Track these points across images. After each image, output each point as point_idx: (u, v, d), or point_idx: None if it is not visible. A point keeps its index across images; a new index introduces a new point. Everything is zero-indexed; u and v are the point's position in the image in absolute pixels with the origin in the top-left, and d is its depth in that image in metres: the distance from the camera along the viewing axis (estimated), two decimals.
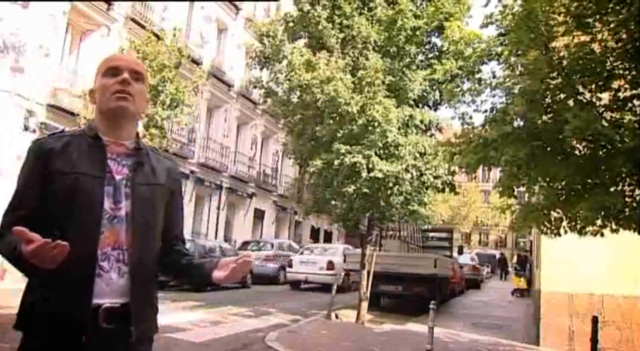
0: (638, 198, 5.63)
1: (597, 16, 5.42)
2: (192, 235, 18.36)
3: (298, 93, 10.72)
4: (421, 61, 11.13)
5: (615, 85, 5.68)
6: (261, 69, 11.84)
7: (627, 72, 5.52)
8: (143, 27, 14.97)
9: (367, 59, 10.16)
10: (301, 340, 8.15)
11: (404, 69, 10.33)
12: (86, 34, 15.55)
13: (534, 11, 5.38)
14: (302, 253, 18.24)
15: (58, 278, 1.48)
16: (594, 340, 7.19)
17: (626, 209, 5.61)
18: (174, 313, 9.01)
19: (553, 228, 6.49)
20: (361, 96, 9.58)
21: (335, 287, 11.38)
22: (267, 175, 25.95)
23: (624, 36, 5.36)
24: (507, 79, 6.26)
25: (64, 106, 13.60)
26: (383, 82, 9.73)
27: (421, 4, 11.05)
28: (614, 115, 5.62)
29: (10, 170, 10.68)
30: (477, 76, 6.96)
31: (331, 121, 10.08)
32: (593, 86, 5.65)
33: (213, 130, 21.77)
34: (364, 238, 11.19)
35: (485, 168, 13.53)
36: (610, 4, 5.32)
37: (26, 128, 13.02)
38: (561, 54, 5.61)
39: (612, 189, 5.61)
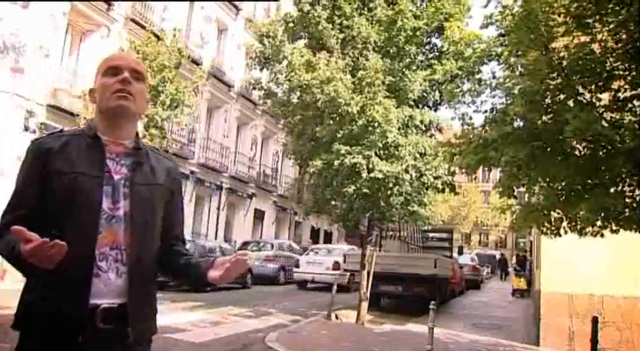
0: (638, 198, 5.63)
1: (597, 17, 5.42)
2: (193, 235, 18.37)
3: (298, 93, 10.72)
4: (421, 61, 11.12)
5: (615, 85, 5.68)
6: (261, 69, 11.83)
7: (627, 72, 5.52)
8: (143, 27, 14.96)
9: (367, 60, 10.16)
10: (301, 341, 8.15)
11: (404, 69, 10.33)
12: (86, 34, 15.55)
13: (534, 12, 5.39)
14: (308, 254, 18.81)
15: (56, 278, 1.48)
16: (594, 341, 7.19)
17: (627, 210, 5.61)
18: (174, 314, 9.01)
19: (553, 228, 6.49)
20: (361, 96, 9.58)
21: (335, 287, 11.40)
22: (267, 175, 25.95)
23: (624, 36, 5.36)
24: (507, 80, 6.26)
25: (64, 107, 13.60)
26: (383, 83, 9.73)
27: (421, 5, 11.05)
28: (614, 115, 5.62)
29: (10, 170, 10.68)
30: (477, 76, 6.95)
31: (331, 122, 10.08)
32: (593, 87, 5.66)
33: (213, 131, 21.78)
34: (364, 239, 11.19)
35: (486, 168, 13.54)
36: (610, 4, 5.32)
37: (26, 129, 13.03)
38: (561, 54, 5.62)
39: (612, 189, 5.61)
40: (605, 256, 8.57)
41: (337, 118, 9.97)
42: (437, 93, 10.86)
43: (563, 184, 5.96)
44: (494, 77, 6.70)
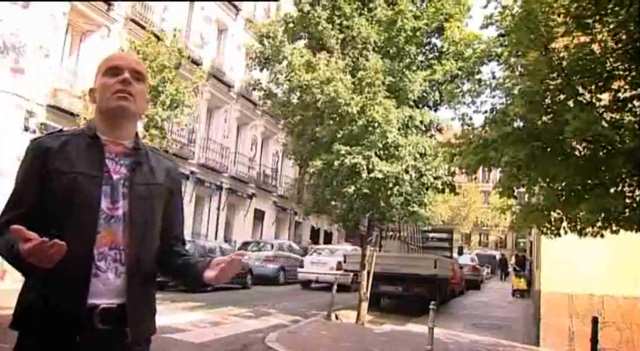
0: (638, 199, 5.63)
1: (597, 17, 5.42)
2: (192, 235, 18.38)
3: (298, 94, 10.73)
4: (421, 61, 11.12)
5: (615, 85, 5.68)
6: (261, 70, 11.84)
7: (627, 73, 5.52)
8: (143, 28, 14.96)
9: (367, 60, 10.16)
10: (301, 341, 8.15)
11: (404, 70, 10.33)
12: (86, 34, 15.55)
13: (534, 12, 5.39)
14: (312, 255, 19.07)
15: (55, 277, 1.48)
16: (594, 341, 7.18)
17: (627, 210, 5.61)
18: (174, 314, 9.01)
19: (553, 228, 6.49)
20: (361, 97, 9.58)
21: (335, 287, 11.40)
22: (267, 175, 25.95)
23: (624, 37, 5.36)
24: (507, 80, 6.26)
25: (64, 107, 13.60)
26: (383, 83, 9.73)
27: (421, 5, 11.05)
28: (614, 115, 5.63)
29: (10, 170, 10.66)
30: (477, 76, 6.97)
31: (331, 122, 10.08)
32: (593, 87, 5.66)
33: (213, 131, 21.77)
34: (364, 239, 11.19)
35: (486, 169, 13.54)
36: (610, 4, 5.32)
37: (26, 129, 13.02)
38: (561, 55, 5.62)
39: (612, 190, 5.61)
40: (605, 256, 8.57)
41: (337, 119, 9.97)
42: (437, 93, 10.87)
43: (563, 184, 5.96)
44: (494, 77, 6.71)
